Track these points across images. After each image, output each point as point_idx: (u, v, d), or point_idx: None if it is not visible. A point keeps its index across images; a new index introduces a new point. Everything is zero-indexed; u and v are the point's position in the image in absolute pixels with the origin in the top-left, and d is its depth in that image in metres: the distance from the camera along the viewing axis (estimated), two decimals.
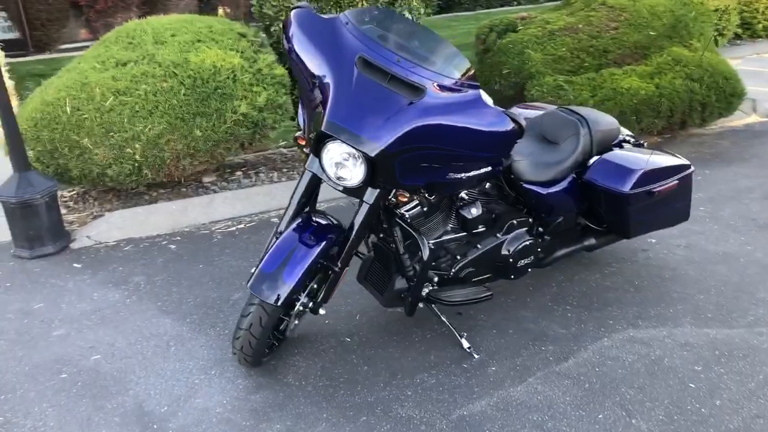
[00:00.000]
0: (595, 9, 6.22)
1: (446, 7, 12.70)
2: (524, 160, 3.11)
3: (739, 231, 4.06)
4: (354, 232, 2.71)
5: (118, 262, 3.84)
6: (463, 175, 2.74)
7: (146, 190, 4.64)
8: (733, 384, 2.73)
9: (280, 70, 4.44)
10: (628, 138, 3.53)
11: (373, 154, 2.38)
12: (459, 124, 2.48)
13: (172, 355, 3.00)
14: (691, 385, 2.74)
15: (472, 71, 2.58)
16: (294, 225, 2.69)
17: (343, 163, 2.49)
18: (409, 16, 4.60)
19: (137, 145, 4.05)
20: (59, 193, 4.67)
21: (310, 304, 2.81)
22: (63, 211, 4.52)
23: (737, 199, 4.51)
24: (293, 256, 2.57)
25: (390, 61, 2.45)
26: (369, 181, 2.51)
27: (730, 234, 4.02)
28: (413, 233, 2.75)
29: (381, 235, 2.98)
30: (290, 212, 2.78)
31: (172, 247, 4.01)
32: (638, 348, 2.98)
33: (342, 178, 2.52)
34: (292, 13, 2.65)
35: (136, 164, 4.11)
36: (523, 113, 3.56)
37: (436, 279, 2.93)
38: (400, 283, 2.94)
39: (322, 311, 2.82)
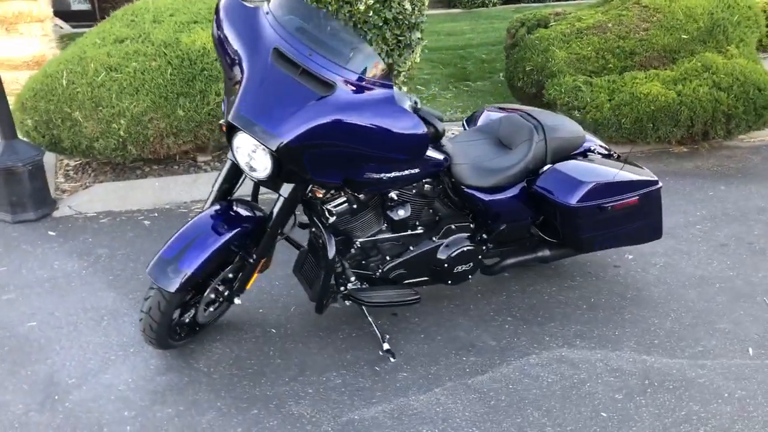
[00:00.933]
0: (628, 8, 5.92)
1: None
2: (465, 164, 3.00)
3: (729, 254, 3.80)
4: (269, 225, 2.70)
5: (90, 234, 3.96)
6: (383, 175, 2.68)
7: (142, 165, 4.76)
8: (649, 417, 2.57)
9: None
10: (595, 147, 3.35)
11: (273, 148, 2.35)
12: (367, 123, 2.42)
13: (102, 330, 3.07)
14: (603, 414, 2.59)
15: (385, 70, 2.51)
16: (207, 212, 2.70)
17: (251, 155, 2.47)
18: (409, 7, 4.50)
19: (122, 121, 4.15)
20: (64, 162, 4.89)
21: (226, 293, 2.82)
22: (61, 179, 4.70)
23: (741, 221, 4.21)
24: (195, 243, 2.57)
25: (303, 54, 2.41)
26: (277, 174, 2.49)
27: (717, 257, 3.77)
28: (322, 230, 2.71)
29: (312, 230, 2.95)
30: (210, 199, 2.79)
31: (146, 222, 4.10)
32: (564, 369, 2.85)
33: (253, 168, 2.50)
34: (221, 1, 2.63)
35: (121, 140, 4.21)
36: (490, 115, 3.45)
37: (353, 278, 2.88)
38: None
39: (237, 301, 2.83)
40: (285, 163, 2.44)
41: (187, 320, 2.84)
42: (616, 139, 5.26)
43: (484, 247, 3.16)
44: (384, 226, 2.96)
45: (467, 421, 2.55)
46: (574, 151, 3.22)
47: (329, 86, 2.39)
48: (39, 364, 2.85)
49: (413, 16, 4.58)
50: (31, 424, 2.52)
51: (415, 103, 2.62)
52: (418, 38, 4.73)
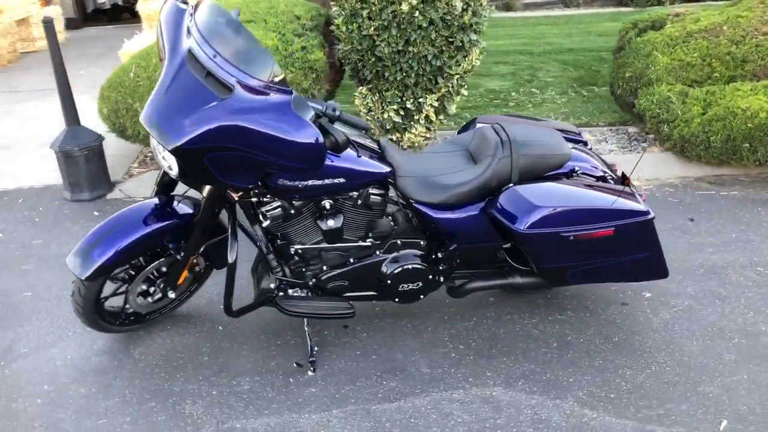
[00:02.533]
0: (751, 8, 5.14)
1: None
2: (412, 177, 2.82)
3: None
4: (195, 223, 2.75)
5: None
6: (298, 183, 2.61)
7: None
8: None
9: (315, 55, 4.47)
10: (587, 168, 2.97)
11: (169, 148, 2.39)
12: (260, 128, 2.38)
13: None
14: None
15: (282, 77, 2.44)
16: (137, 204, 2.81)
17: (162, 154, 2.54)
18: (459, 6, 4.27)
19: None
20: (145, 150, 5.31)
21: (161, 285, 2.92)
22: (135, 165, 5.12)
23: None
24: (113, 234, 2.69)
25: (208, 56, 2.41)
26: (184, 174, 2.53)
27: (758, 307, 3.18)
28: (228, 233, 2.69)
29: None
30: (152, 194, 2.89)
31: None
32: (484, 410, 2.58)
33: (170, 167, 2.56)
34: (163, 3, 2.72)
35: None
36: (478, 127, 3.19)
37: (272, 285, 2.84)
38: (267, 283, 2.90)
39: (171, 294, 2.92)
40: (186, 165, 2.46)
41: (130, 308, 2.97)
42: (706, 159, 4.63)
43: (438, 267, 2.94)
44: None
45: None
46: (550, 170, 2.88)
47: (229, 90, 2.37)
48: (9, 330, 3.13)
49: (465, 17, 4.34)
50: None
51: (334, 110, 2.51)
52: (474, 40, 4.48)
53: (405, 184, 2.81)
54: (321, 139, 2.40)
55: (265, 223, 2.78)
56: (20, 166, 5.08)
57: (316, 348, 2.90)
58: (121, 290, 2.90)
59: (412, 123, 4.73)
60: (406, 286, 2.90)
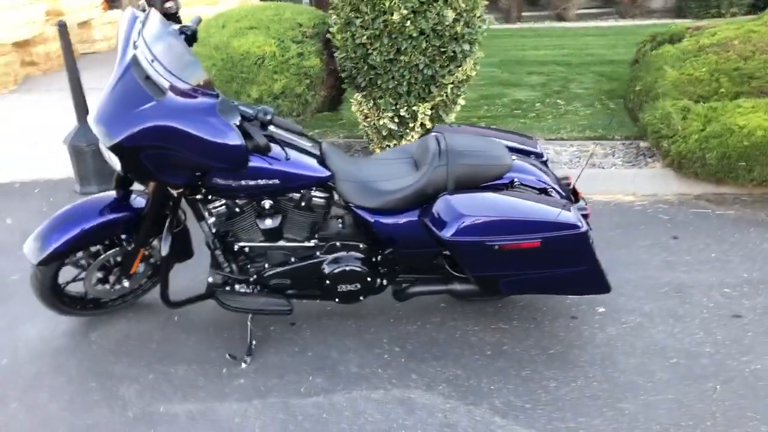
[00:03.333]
0: (766, 23, 4.99)
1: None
2: (351, 182, 2.92)
3: (730, 328, 3.12)
4: (142, 216, 2.94)
5: None
6: (231, 182, 2.76)
7: None
8: None
9: (310, 62, 4.63)
10: (531, 180, 2.99)
11: (108, 146, 2.60)
12: (186, 129, 2.55)
13: None
14: None
15: (209, 81, 2.59)
16: (94, 196, 3.02)
17: (107, 152, 2.74)
18: (450, 17, 4.33)
19: None
20: None
21: (117, 274, 3.12)
22: None
23: None
24: (67, 223, 2.91)
25: (148, 61, 2.60)
26: (128, 170, 2.72)
27: (711, 328, 3.13)
28: (165, 227, 2.86)
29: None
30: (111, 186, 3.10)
31: None
32: (396, 412, 2.66)
33: (115, 164, 2.76)
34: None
35: None
36: (429, 136, 3.26)
37: (211, 279, 2.99)
38: (213, 278, 3.06)
39: (126, 283, 3.12)
40: (126, 161, 2.65)
41: (90, 295, 3.18)
42: (702, 176, 4.53)
43: (377, 271, 3.03)
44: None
45: None
46: (488, 180, 2.91)
47: (163, 92, 2.55)
48: None
49: (458, 27, 4.40)
50: None
51: (265, 114, 2.65)
52: (467, 50, 4.53)
53: (345, 188, 2.91)
54: (240, 141, 2.54)
55: (211, 220, 2.94)
56: (45, 160, 5.43)
57: (254, 342, 3.03)
58: (80, 277, 3.10)
59: (407, 130, 4.81)
60: (344, 286, 3.00)
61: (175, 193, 2.85)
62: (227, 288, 3.02)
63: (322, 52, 4.76)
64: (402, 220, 2.91)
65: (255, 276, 3.02)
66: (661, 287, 3.46)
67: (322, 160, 2.93)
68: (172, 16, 5.09)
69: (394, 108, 4.69)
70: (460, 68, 4.61)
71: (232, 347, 3.04)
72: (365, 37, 4.47)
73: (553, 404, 2.67)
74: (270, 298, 3.02)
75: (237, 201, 2.92)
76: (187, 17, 7.39)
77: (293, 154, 2.82)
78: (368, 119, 4.86)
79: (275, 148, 2.76)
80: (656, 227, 4.15)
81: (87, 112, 4.70)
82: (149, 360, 2.99)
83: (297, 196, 2.94)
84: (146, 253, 3.14)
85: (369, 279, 3.00)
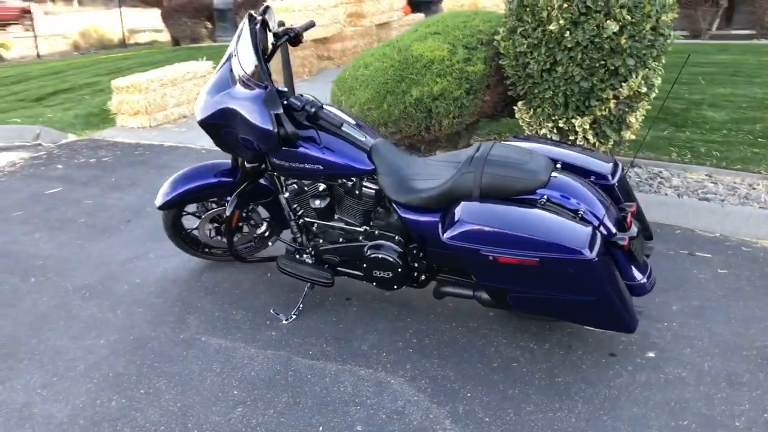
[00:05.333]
0: None
1: None
2: (391, 177, 3.17)
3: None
4: (235, 186, 3.59)
5: None
6: (285, 163, 3.26)
7: None
8: None
9: (474, 67, 4.82)
10: (562, 199, 2.92)
11: (197, 121, 3.31)
12: (240, 111, 3.11)
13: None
14: (283, 419, 2.68)
15: (258, 73, 3.08)
16: (214, 162, 3.73)
17: None
18: (612, 29, 4.16)
19: (354, 109, 5.28)
20: None
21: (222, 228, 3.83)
22: None
23: None
24: (185, 179, 3.67)
25: (232, 54, 3.25)
26: (218, 144, 3.40)
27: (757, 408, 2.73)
28: (235, 193, 3.43)
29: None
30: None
31: None
32: (366, 389, 2.87)
33: None
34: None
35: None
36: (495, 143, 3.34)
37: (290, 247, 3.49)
38: (287, 245, 3.62)
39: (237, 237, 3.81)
40: (211, 136, 3.32)
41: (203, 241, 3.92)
42: None
43: (412, 264, 3.23)
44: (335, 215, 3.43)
45: (205, 369, 3.00)
46: (517, 194, 2.91)
47: (235, 81, 3.15)
48: (153, 242, 4.37)
49: (621, 40, 4.24)
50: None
51: (311, 107, 3.07)
52: (631, 65, 4.32)
53: (385, 182, 3.17)
54: (272, 127, 2.98)
55: (286, 195, 3.44)
56: None
57: (302, 306, 3.46)
58: (195, 227, 3.87)
59: (568, 143, 4.72)
60: (378, 272, 3.27)
61: (248, 166, 3.39)
62: (288, 254, 3.49)
63: (493, 59, 4.90)
64: (426, 218, 3.06)
65: (312, 248, 3.44)
66: (748, 349, 3.02)
67: (370, 154, 3.20)
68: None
69: (553, 119, 4.65)
70: (624, 84, 4.37)
71: (289, 307, 3.49)
72: (525, 46, 4.51)
73: (515, 426, 2.62)
74: (316, 270, 3.41)
75: (304, 181, 3.36)
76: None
77: (339, 145, 3.16)
78: (531, 128, 4.87)
79: (325, 138, 3.14)
80: None
81: None
82: (225, 301, 3.61)
83: (350, 183, 3.27)
84: (244, 215, 3.75)
85: (400, 270, 3.20)
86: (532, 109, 4.75)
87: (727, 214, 4.25)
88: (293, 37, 3.48)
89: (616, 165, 3.18)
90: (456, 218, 2.83)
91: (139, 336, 3.32)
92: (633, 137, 4.80)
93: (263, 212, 3.82)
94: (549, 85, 4.51)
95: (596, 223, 2.82)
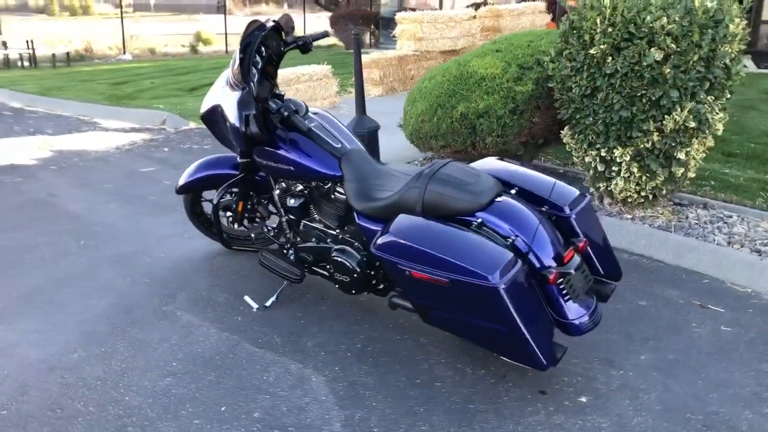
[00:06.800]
0: None
1: None
2: (354, 183, 3.28)
3: None
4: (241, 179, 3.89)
5: None
6: (263, 161, 3.51)
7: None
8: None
9: (524, 87, 4.74)
10: (499, 226, 2.88)
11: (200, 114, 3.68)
12: (224, 109, 3.42)
13: None
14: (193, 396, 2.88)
15: (244, 76, 3.33)
16: (229, 155, 4.06)
17: None
18: (653, 58, 3.93)
19: (412, 120, 5.40)
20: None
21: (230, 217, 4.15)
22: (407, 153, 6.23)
23: None
24: (201, 167, 4.04)
25: (236, 56, 3.57)
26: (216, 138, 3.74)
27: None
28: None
29: None
30: None
31: None
32: (282, 378, 3.02)
33: None
34: None
35: (413, 133, 5.47)
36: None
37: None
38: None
39: (235, 227, 4.12)
40: (210, 130, 3.67)
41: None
42: None
43: (368, 271, 3.31)
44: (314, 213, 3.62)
45: (163, 340, 3.27)
46: (456, 213, 2.91)
47: (228, 82, 3.47)
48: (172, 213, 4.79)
49: (665, 70, 4.01)
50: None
51: (284, 111, 3.30)
52: (674, 97, 4.06)
53: (348, 188, 3.30)
54: (239, 125, 3.22)
55: (276, 191, 3.68)
56: None
57: (275, 298, 3.66)
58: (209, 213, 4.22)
59: (612, 174, 4.52)
60: (338, 275, 3.39)
61: (239, 160, 3.66)
62: (269, 246, 3.71)
63: (546, 80, 4.79)
64: (375, 227, 3.13)
65: (291, 245, 3.64)
66: (694, 414, 2.79)
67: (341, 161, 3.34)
68: None
69: (596, 147, 4.47)
70: (668, 116, 4.11)
71: (265, 295, 3.70)
72: (568, 69, 4.39)
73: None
74: (288, 265, 3.59)
75: (289, 180, 3.57)
76: None
77: (311, 149, 3.34)
78: (577, 154, 4.71)
79: (301, 142, 3.33)
80: None
81: (364, 106, 5.76)
82: (217, 284, 3.91)
83: (325, 187, 3.43)
84: (249, 206, 4.02)
85: (356, 276, 3.30)
86: (575, 135, 4.58)
87: (764, 268, 3.84)
88: (302, 45, 3.68)
89: (581, 197, 3.05)
90: (385, 229, 2.88)
91: (131, 303, 3.70)
92: (692, 175, 4.46)
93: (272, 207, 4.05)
94: (589, 111, 4.34)
95: (525, 252, 2.75)
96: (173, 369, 3.10)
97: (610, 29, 4.10)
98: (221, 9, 21.61)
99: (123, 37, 18.12)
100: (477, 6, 12.45)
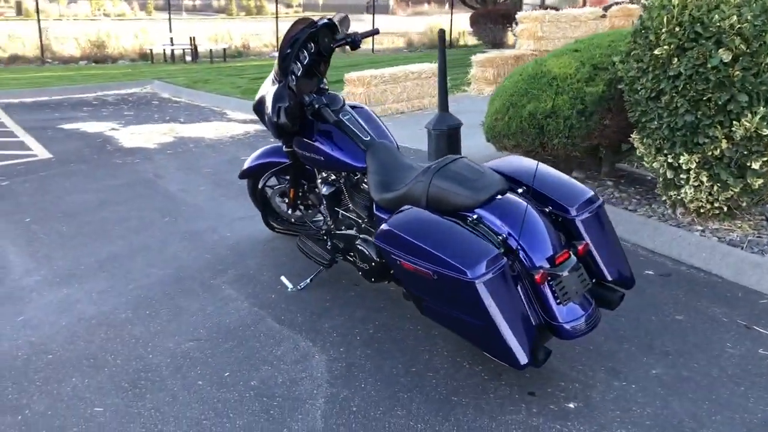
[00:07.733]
0: None
1: None
2: (375, 176, 3.41)
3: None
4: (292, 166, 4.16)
5: None
6: (299, 150, 3.75)
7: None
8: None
9: (595, 88, 4.61)
10: (494, 223, 2.90)
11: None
12: (266, 101, 3.69)
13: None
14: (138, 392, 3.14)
15: (278, 71, 3.56)
16: (279, 144, 4.34)
17: None
18: (744, 72, 3.69)
19: (488, 118, 5.42)
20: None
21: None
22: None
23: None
24: (261, 155, 4.34)
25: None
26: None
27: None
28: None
29: None
30: None
31: None
32: (289, 353, 3.23)
33: None
34: None
35: (488, 130, 5.49)
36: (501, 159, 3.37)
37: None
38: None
39: (290, 211, 4.39)
40: (260, 120, 3.95)
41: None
42: None
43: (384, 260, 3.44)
44: (349, 204, 3.80)
45: (200, 309, 3.57)
46: (457, 209, 2.96)
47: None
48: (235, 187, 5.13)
49: (734, 71, 3.79)
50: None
51: (313, 104, 3.50)
52: (743, 102, 3.83)
53: (370, 179, 3.44)
54: (273, 115, 3.46)
55: (319, 181, 3.91)
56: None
57: (309, 281, 3.88)
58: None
59: (681, 181, 4.32)
60: (359, 263, 3.55)
61: (285, 149, 3.90)
62: (310, 231, 3.93)
63: (620, 81, 4.63)
64: (387, 218, 3.25)
65: (326, 232, 3.84)
66: (675, 418, 2.68)
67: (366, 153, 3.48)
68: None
69: (664, 153, 4.28)
70: (737, 122, 3.86)
71: (302, 277, 3.93)
72: (635, 70, 4.24)
73: (372, 423, 2.77)
74: (320, 250, 3.79)
75: (320, 170, 3.78)
76: None
77: (339, 141, 3.51)
78: (647, 159, 4.52)
79: (333, 133, 3.52)
80: None
81: (446, 104, 5.84)
82: (265, 264, 4.20)
83: (355, 178, 3.60)
84: (300, 194, 4.25)
85: (373, 264, 3.44)
86: (644, 140, 4.39)
87: None
88: (351, 42, 3.84)
89: (592, 200, 2.98)
90: (388, 220, 2.99)
91: (186, 275, 4.07)
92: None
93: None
94: (654, 114, 4.15)
95: (516, 249, 2.76)
96: (198, 335, 3.39)
97: (677, 29, 3.90)
98: (369, 9, 22.25)
99: (277, 36, 19.20)
100: (608, 6, 11.96)
